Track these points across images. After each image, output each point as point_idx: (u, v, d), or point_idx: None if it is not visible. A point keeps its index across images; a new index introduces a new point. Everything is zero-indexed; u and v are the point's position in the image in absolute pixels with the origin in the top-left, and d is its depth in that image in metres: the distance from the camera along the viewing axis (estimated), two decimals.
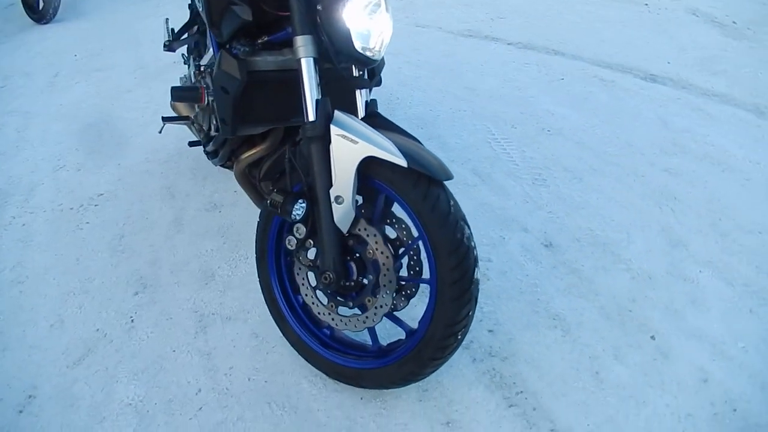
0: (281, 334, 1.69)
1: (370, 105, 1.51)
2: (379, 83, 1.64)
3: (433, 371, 1.48)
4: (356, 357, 1.57)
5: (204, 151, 2.07)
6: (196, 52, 2.37)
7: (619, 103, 2.98)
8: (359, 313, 1.50)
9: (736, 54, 3.44)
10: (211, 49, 1.75)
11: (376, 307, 1.46)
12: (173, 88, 1.69)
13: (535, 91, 3.14)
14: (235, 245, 2.19)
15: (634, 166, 2.48)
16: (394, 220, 1.47)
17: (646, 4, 4.23)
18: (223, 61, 1.51)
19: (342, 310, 1.55)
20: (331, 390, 1.62)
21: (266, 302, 1.69)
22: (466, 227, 1.35)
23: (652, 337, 1.71)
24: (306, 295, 1.59)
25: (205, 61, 1.86)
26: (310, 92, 1.39)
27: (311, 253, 1.51)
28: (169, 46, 2.39)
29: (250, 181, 1.85)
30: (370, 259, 1.43)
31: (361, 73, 1.46)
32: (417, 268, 1.47)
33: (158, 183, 2.59)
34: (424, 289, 1.50)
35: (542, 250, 2.05)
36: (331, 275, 1.42)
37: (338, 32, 1.35)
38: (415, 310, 1.59)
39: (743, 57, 3.39)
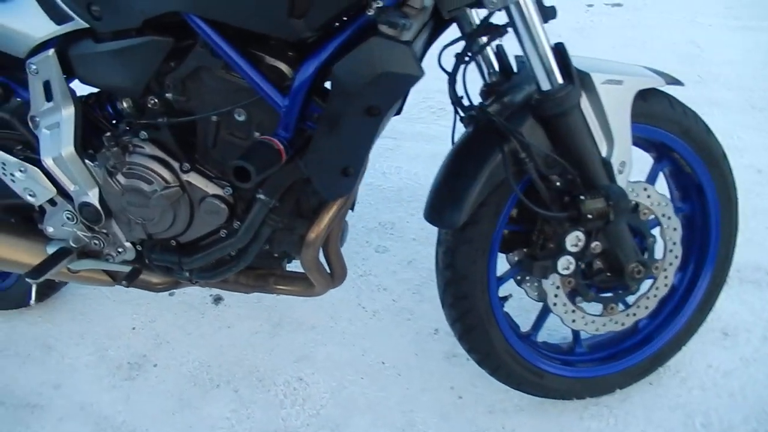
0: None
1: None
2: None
3: None
4: (640, 345, 1.28)
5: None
6: None
7: None
8: (647, 288, 1.20)
9: None
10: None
11: (666, 268, 1.18)
12: (243, 159, 0.86)
13: None
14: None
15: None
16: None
17: None
18: (384, 55, 0.83)
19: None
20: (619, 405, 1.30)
21: (524, 387, 1.23)
22: None
23: None
24: (587, 324, 1.18)
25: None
26: (545, 41, 0.93)
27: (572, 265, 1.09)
28: None
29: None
30: (645, 221, 1.14)
31: None
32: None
33: None
34: None
35: None
36: (641, 266, 1.11)
37: None
38: None
39: None
